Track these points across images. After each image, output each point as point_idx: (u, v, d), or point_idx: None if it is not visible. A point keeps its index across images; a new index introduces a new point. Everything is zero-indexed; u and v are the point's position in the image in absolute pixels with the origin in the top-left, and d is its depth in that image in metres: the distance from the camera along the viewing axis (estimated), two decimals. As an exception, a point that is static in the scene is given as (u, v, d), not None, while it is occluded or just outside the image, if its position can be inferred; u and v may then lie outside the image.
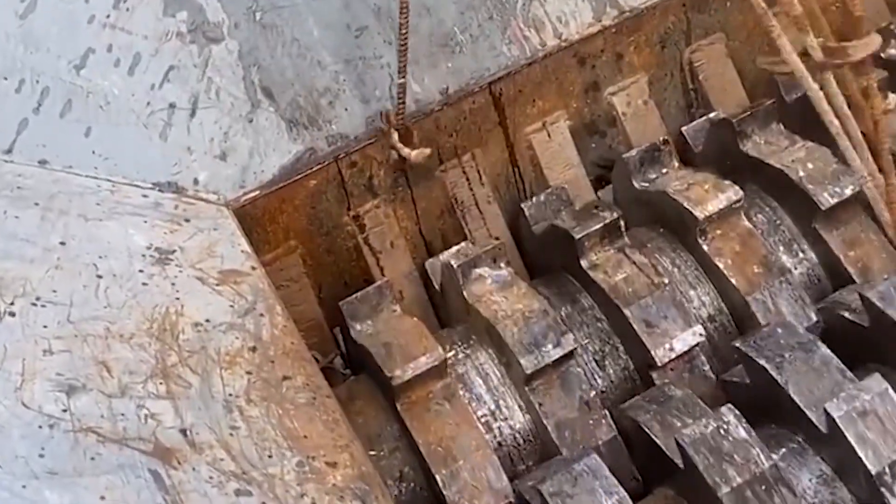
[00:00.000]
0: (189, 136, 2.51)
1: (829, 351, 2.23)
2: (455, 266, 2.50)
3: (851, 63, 2.49)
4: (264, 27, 2.61)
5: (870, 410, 2.08)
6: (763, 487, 2.02)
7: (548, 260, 2.73)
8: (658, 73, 2.99)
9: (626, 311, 2.46)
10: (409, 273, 2.78)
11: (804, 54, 2.47)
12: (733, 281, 2.52)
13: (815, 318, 2.50)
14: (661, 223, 2.70)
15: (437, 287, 2.71)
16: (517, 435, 2.42)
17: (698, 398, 2.28)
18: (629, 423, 2.30)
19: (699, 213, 2.56)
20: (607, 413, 2.37)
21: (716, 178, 2.64)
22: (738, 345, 2.31)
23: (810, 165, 2.65)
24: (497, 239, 2.71)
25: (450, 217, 2.85)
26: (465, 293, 2.49)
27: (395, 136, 2.61)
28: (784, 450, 2.21)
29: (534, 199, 2.79)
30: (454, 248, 2.64)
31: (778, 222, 2.69)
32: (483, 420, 2.41)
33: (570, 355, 2.38)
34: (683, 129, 2.92)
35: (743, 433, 2.09)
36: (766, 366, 2.22)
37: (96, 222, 2.29)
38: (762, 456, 2.06)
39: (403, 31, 2.48)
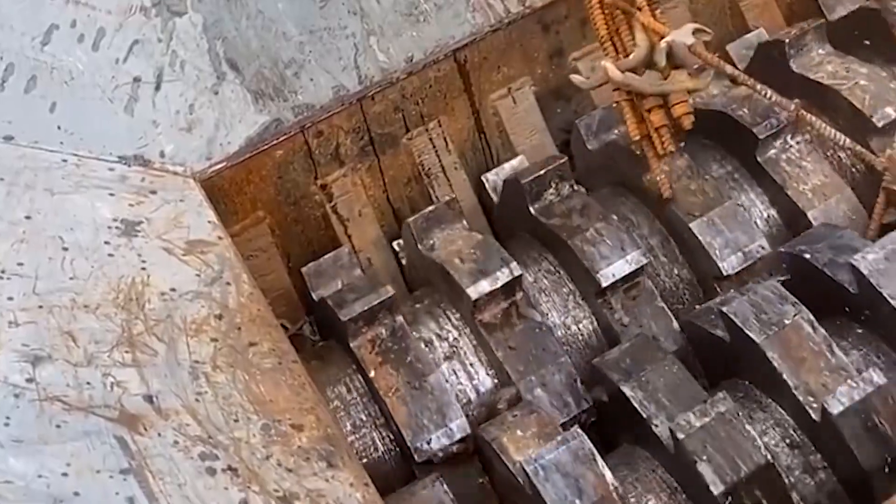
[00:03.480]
0: (154, 110, 2.52)
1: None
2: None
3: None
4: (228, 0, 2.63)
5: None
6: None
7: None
8: (622, 37, 3.00)
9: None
10: (377, 240, 2.81)
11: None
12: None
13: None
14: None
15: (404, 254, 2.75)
16: (475, 379, 2.48)
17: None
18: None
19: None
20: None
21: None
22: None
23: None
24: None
25: (417, 184, 2.88)
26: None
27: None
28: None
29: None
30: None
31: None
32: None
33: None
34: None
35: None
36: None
37: (62, 196, 2.31)
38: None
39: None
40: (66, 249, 2.20)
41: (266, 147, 2.61)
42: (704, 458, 2.06)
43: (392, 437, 2.40)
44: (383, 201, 2.87)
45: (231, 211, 2.62)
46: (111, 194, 2.36)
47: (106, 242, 2.24)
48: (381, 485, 2.04)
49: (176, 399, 1.98)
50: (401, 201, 2.88)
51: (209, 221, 2.38)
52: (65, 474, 1.78)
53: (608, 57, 2.58)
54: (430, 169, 2.86)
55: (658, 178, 2.58)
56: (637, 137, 2.58)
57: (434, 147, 2.86)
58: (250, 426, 1.98)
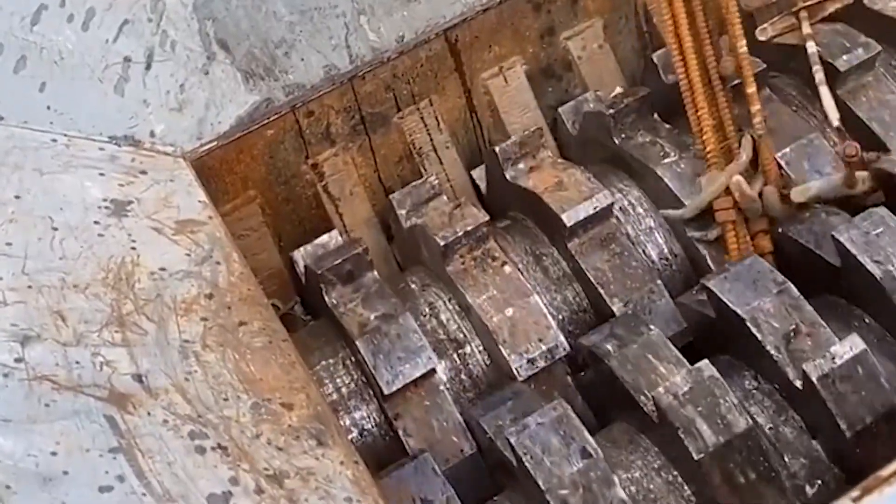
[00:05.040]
0: (145, 90, 2.52)
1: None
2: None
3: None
4: (218, -21, 2.62)
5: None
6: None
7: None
8: (613, 16, 3.01)
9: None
10: (368, 219, 2.82)
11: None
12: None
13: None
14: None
15: (395, 231, 2.74)
16: (469, 363, 2.48)
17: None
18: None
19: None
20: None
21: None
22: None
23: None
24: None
25: (408, 163, 2.88)
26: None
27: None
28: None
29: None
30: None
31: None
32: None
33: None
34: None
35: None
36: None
37: (52, 176, 2.31)
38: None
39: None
40: (55, 229, 2.20)
41: (257, 127, 2.61)
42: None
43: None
44: (374, 180, 2.87)
45: (222, 190, 2.62)
46: (101, 174, 2.36)
47: (96, 222, 2.24)
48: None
49: (165, 378, 1.98)
50: (392, 180, 2.88)
51: (199, 201, 2.37)
52: (54, 453, 1.79)
53: (712, 168, 2.40)
54: (421, 148, 2.87)
55: None
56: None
57: (425, 126, 2.86)
58: (240, 405, 1.98)
